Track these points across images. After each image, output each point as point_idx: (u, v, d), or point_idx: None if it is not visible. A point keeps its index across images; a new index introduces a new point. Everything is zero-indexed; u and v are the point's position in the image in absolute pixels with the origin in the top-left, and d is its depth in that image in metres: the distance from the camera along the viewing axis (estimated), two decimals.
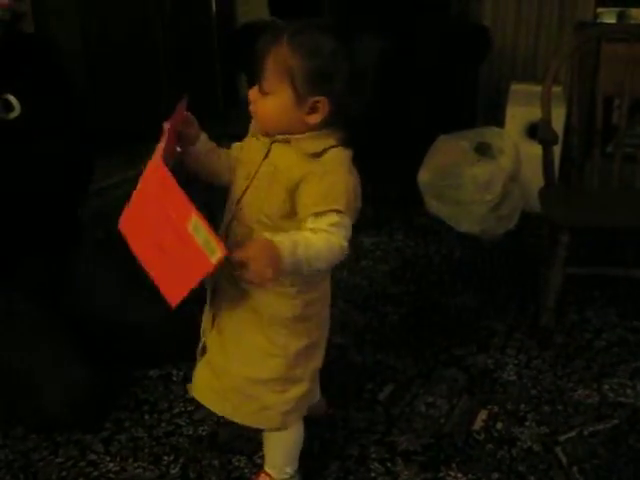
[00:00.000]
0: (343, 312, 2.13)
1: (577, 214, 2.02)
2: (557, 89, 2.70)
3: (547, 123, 2.13)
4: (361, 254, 2.50)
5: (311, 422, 1.63)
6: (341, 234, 1.16)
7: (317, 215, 1.15)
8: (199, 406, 1.65)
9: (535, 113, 2.26)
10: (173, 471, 1.50)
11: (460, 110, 3.28)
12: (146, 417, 1.66)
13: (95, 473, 1.49)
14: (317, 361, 1.36)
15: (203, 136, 1.34)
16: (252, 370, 1.29)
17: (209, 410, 1.36)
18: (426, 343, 1.99)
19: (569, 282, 2.11)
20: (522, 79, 3.29)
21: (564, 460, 1.55)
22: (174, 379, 1.80)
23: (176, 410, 1.69)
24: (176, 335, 1.81)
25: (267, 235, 1.10)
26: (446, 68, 3.05)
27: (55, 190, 1.71)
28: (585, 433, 1.63)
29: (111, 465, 1.52)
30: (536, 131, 2.25)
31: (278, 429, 1.35)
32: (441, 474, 1.51)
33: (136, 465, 1.52)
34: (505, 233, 2.66)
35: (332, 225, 1.15)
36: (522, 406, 1.73)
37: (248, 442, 1.58)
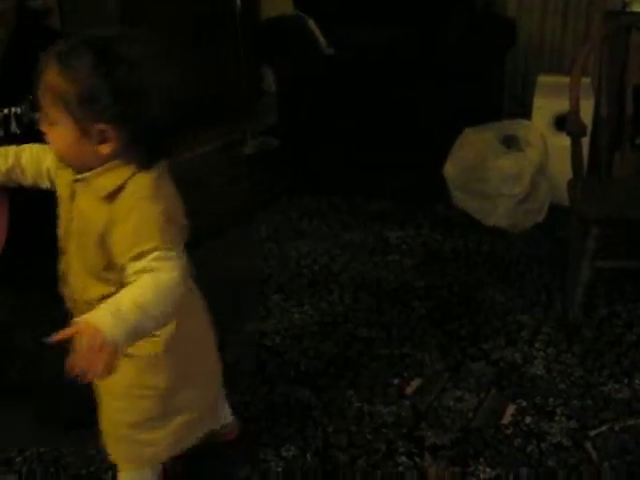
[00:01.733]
0: (369, 306, 2.13)
1: (606, 206, 1.99)
2: (585, 80, 2.66)
3: (575, 115, 2.10)
4: (387, 248, 2.49)
5: (338, 415, 1.64)
6: (168, 266, 1.02)
7: (135, 259, 1.02)
8: (228, 398, 1.69)
9: (562, 105, 2.23)
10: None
11: (486, 102, 3.25)
12: None
13: None
14: (201, 389, 1.29)
15: None
16: (128, 414, 1.23)
17: None
18: (453, 337, 1.98)
19: (598, 276, 2.08)
20: (549, 70, 3.24)
21: (594, 455, 1.53)
22: None
23: None
24: None
25: (85, 317, 0.97)
26: (471, 60, 3.02)
27: None
28: (616, 428, 1.61)
29: None
30: (564, 123, 2.22)
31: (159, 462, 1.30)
32: (470, 469, 1.50)
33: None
34: (533, 226, 2.63)
35: (154, 260, 1.02)
36: (551, 400, 1.71)
37: (275, 436, 1.58)
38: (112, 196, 1.05)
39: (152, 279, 1.00)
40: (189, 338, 1.22)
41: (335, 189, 2.91)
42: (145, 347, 1.15)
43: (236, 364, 1.82)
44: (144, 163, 1.06)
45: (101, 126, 1.01)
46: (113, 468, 1.36)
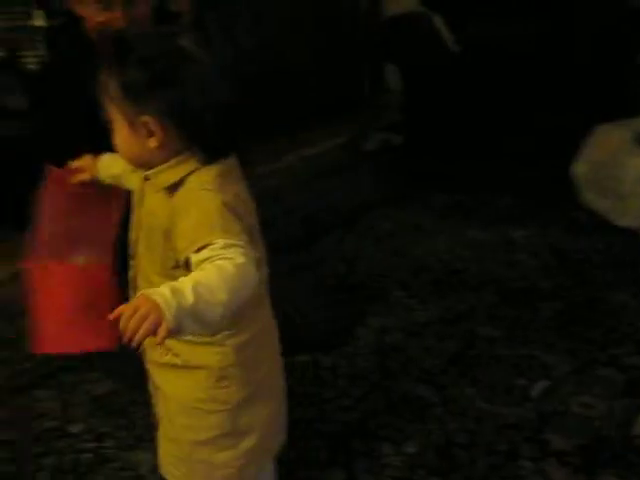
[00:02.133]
0: (492, 304, 2.09)
1: None
2: None
3: None
4: (511, 247, 2.44)
5: (459, 414, 1.63)
6: (231, 254, 0.95)
7: (198, 252, 0.97)
8: (347, 393, 1.71)
9: None
10: (322, 454, 1.54)
11: (619, 99, 3.12)
12: (295, 402, 1.71)
13: None
14: (268, 406, 1.20)
15: (103, 172, 1.23)
16: (194, 432, 1.16)
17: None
18: (581, 340, 1.91)
19: None
20: None
21: None
22: (322, 365, 1.83)
23: (325, 396, 1.72)
24: (325, 322, 1.86)
25: (143, 291, 0.91)
26: (606, 54, 2.90)
27: None
28: None
29: None
30: None
31: None
32: (598, 478, 1.45)
33: (287, 444, 1.57)
34: None
35: (218, 249, 0.96)
36: None
37: (396, 431, 1.60)
38: (172, 189, 1.04)
39: (214, 265, 0.94)
40: (261, 351, 1.17)
41: (458, 186, 2.88)
42: (215, 358, 1.11)
43: (357, 357, 1.85)
44: (205, 159, 1.04)
45: (145, 118, 1.01)
46: None
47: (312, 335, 1.84)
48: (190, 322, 0.89)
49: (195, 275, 0.93)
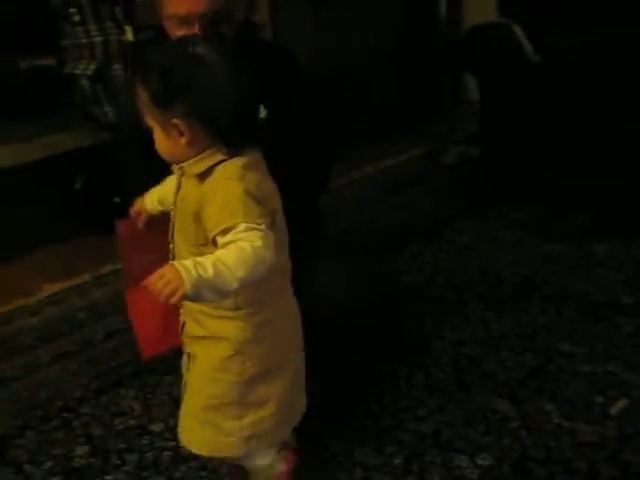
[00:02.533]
0: (572, 319, 2.05)
1: None
2: None
3: None
4: (592, 261, 2.39)
5: (537, 429, 1.60)
6: (250, 238, 1.10)
7: (222, 233, 1.12)
8: (423, 403, 1.71)
9: None
10: (396, 461, 1.55)
11: None
12: (372, 408, 1.72)
13: (325, 454, 1.59)
14: (278, 387, 1.29)
15: (150, 205, 1.42)
16: (206, 396, 1.28)
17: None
18: None
19: None
20: None
21: None
22: (400, 374, 1.84)
23: (401, 405, 1.73)
24: (403, 333, 1.86)
25: (174, 262, 1.09)
26: None
27: (298, 190, 1.81)
28: None
29: (339, 448, 1.60)
30: None
31: (243, 457, 1.34)
32: None
33: (362, 451, 1.58)
34: None
35: (240, 232, 1.10)
36: None
37: (471, 444, 1.59)
38: (202, 177, 1.18)
39: (236, 246, 1.10)
40: (274, 334, 1.28)
41: (537, 199, 2.84)
42: (235, 332, 1.24)
43: (433, 368, 1.85)
44: (230, 152, 1.18)
45: (174, 121, 1.15)
46: None
47: (391, 345, 1.85)
48: (208, 292, 1.07)
49: (218, 253, 1.10)
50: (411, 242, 2.56)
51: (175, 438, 1.64)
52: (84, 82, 2.56)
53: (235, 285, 1.08)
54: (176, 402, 1.75)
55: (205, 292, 1.07)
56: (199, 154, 1.18)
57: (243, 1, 1.68)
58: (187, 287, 1.04)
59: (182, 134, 1.16)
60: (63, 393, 1.86)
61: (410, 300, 2.18)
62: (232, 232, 1.11)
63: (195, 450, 1.36)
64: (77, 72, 2.58)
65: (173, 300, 1.05)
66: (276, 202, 1.23)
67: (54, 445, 1.67)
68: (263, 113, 1.78)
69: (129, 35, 2.37)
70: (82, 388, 1.87)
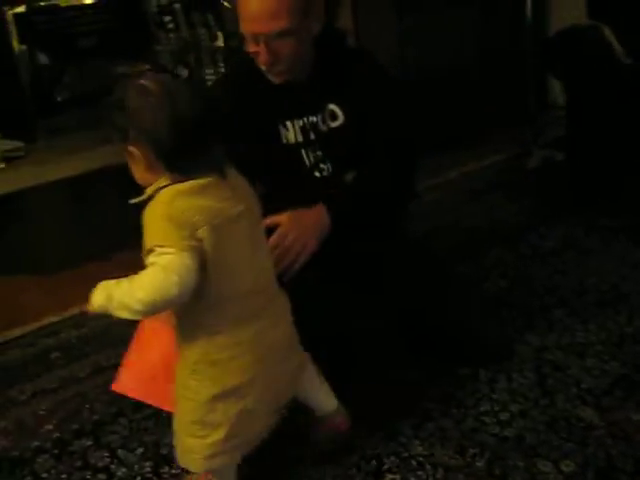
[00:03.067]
0: None
1: None
2: None
3: None
4: None
5: (623, 439, 1.57)
6: (161, 262, 1.18)
7: (147, 254, 1.21)
8: (505, 407, 1.71)
9: None
10: (478, 464, 1.55)
11: None
12: (453, 410, 1.73)
13: (405, 454, 1.60)
14: (238, 407, 1.33)
15: None
16: (177, 411, 1.37)
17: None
18: None
19: None
20: None
21: None
22: (481, 378, 1.84)
23: (482, 408, 1.73)
24: (488, 336, 1.86)
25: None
26: None
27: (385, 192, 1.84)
28: None
29: (420, 449, 1.61)
30: None
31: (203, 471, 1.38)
32: None
33: (443, 452, 1.59)
34: None
35: (155, 256, 1.19)
36: None
37: (554, 450, 1.57)
38: (147, 203, 1.25)
39: (146, 270, 1.20)
40: (233, 358, 1.32)
41: (624, 205, 2.77)
42: (192, 351, 1.32)
43: (515, 373, 1.84)
44: (175, 177, 1.25)
45: (130, 148, 1.25)
46: None
47: (472, 348, 1.84)
48: (117, 307, 1.22)
49: (133, 277, 1.22)
50: (494, 247, 2.55)
51: None
52: None
53: (137, 305, 1.20)
54: None
55: (113, 307, 1.23)
56: (157, 180, 1.26)
57: (321, 11, 1.71)
58: (96, 299, 1.25)
59: (138, 159, 1.25)
60: None
61: (492, 304, 2.17)
62: (151, 255, 1.20)
63: (179, 462, 1.43)
64: None
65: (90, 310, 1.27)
66: (204, 228, 1.24)
67: (145, 433, 1.75)
68: (340, 119, 1.80)
69: (220, 41, 2.45)
70: None
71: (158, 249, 1.19)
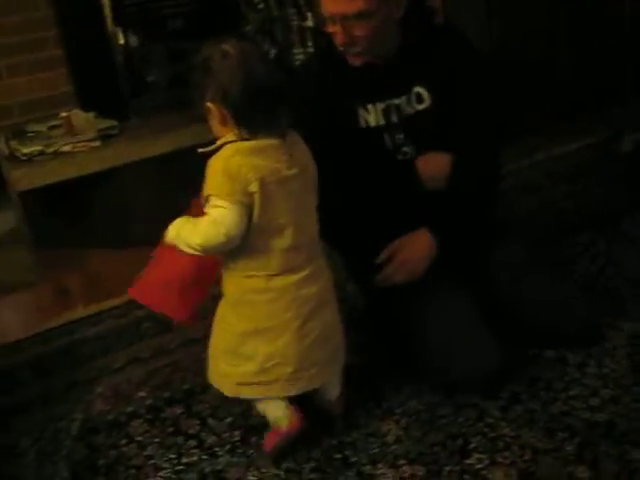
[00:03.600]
0: None
1: None
2: None
3: None
4: None
5: None
6: (213, 213, 1.39)
7: (205, 200, 1.42)
8: (596, 392, 1.68)
9: None
10: (568, 448, 1.53)
11: None
12: (541, 393, 1.71)
13: (492, 434, 1.60)
14: (268, 347, 1.49)
15: None
16: (214, 340, 1.60)
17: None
18: None
19: None
20: None
21: None
22: (570, 362, 1.81)
23: (572, 392, 1.70)
24: (574, 319, 1.82)
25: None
26: None
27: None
28: None
29: (507, 430, 1.60)
30: None
31: (234, 396, 1.60)
32: None
33: (531, 435, 1.58)
34: None
35: (209, 208, 1.40)
36: None
37: None
38: (214, 153, 1.42)
39: (203, 219, 1.41)
40: (263, 302, 1.49)
41: None
42: (230, 289, 1.53)
43: (606, 359, 1.80)
44: (242, 135, 1.42)
45: (208, 104, 1.43)
46: None
47: (562, 332, 1.81)
48: (182, 244, 1.45)
49: (197, 220, 1.43)
50: (583, 231, 2.48)
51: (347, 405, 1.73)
52: None
53: (196, 247, 1.42)
54: (349, 372, 1.84)
55: (180, 242, 1.45)
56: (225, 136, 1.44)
57: None
58: (169, 234, 1.48)
59: (212, 115, 1.43)
60: None
61: (582, 289, 2.12)
62: (208, 204, 1.41)
63: (210, 382, 1.64)
64: None
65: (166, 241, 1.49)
66: (255, 183, 1.40)
67: (234, 403, 1.79)
68: (426, 102, 1.78)
69: (310, 21, 2.46)
70: None
71: (214, 198, 1.39)
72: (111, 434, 1.77)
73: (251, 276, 1.48)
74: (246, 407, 1.77)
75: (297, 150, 1.48)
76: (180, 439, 1.72)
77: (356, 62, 1.72)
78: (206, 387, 1.87)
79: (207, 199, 1.41)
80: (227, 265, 1.51)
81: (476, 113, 1.83)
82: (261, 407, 1.61)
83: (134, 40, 3.40)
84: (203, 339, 2.07)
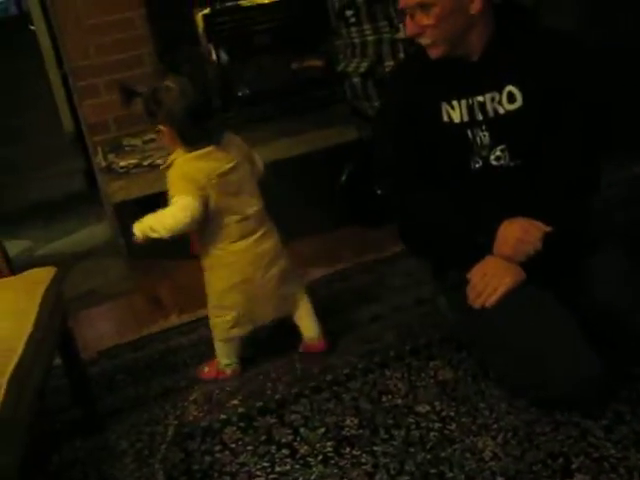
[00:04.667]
0: None
1: None
2: None
3: None
4: None
5: None
6: (174, 206, 1.85)
7: (171, 199, 1.88)
8: None
9: None
10: None
11: None
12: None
13: (596, 454, 1.53)
14: (242, 297, 1.98)
15: None
16: (208, 301, 2.06)
17: None
18: None
19: None
20: None
21: None
22: None
23: None
24: None
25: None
26: None
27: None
28: None
29: (612, 451, 1.53)
30: None
31: (227, 339, 2.04)
32: None
33: (639, 457, 1.51)
34: None
35: (175, 199, 1.86)
36: None
37: None
38: (169, 166, 1.93)
39: (170, 208, 1.87)
40: (238, 262, 1.97)
41: None
42: (208, 261, 2.00)
43: None
44: (186, 149, 1.91)
45: (159, 127, 1.91)
46: None
47: None
48: (150, 232, 1.86)
49: (160, 211, 1.88)
50: None
51: (441, 420, 1.70)
52: (356, 79, 2.70)
53: (163, 231, 1.84)
54: (442, 386, 1.82)
55: (148, 232, 1.86)
56: (177, 148, 1.93)
57: None
58: (137, 228, 1.89)
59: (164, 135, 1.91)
60: (333, 368, 1.99)
61: None
62: (173, 199, 1.87)
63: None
64: (349, 70, 2.73)
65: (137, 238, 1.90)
66: (208, 181, 1.89)
67: (326, 414, 1.80)
68: (519, 102, 1.74)
69: (401, 33, 2.45)
70: (350, 365, 1.99)
71: (177, 196, 1.86)
72: (205, 440, 1.79)
73: (219, 247, 1.96)
74: (340, 418, 1.76)
75: (232, 148, 1.96)
76: (273, 448, 1.72)
77: (432, 55, 1.73)
78: (298, 397, 1.89)
79: (172, 199, 1.87)
80: (202, 242, 1.97)
81: (578, 119, 1.77)
82: (222, 351, 2.05)
83: (225, 57, 3.50)
84: (294, 349, 2.12)
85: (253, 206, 1.98)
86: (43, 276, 1.81)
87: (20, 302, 1.64)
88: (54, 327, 1.72)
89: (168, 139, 1.90)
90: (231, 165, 1.92)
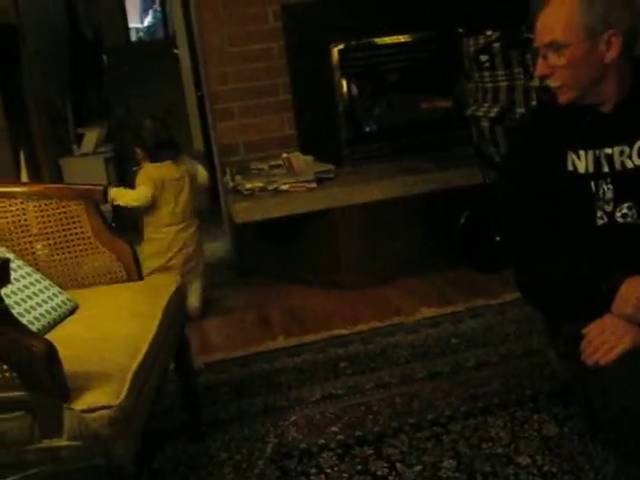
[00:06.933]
0: None
1: None
2: None
3: None
4: None
5: None
6: (136, 190, 2.84)
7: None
8: None
9: None
10: None
11: None
12: None
13: None
14: (161, 260, 2.87)
15: None
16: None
17: None
18: None
19: None
20: None
21: None
22: None
23: None
24: None
25: None
26: None
27: None
28: None
29: None
30: None
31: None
32: None
33: None
34: None
35: (136, 188, 2.86)
36: None
37: None
38: (140, 169, 2.90)
39: (136, 189, 2.86)
40: (165, 239, 2.91)
41: None
42: (145, 235, 2.96)
43: None
44: (152, 162, 2.87)
45: (135, 148, 2.93)
46: None
47: None
48: (121, 202, 2.85)
49: (128, 190, 2.92)
50: None
51: (542, 475, 1.66)
52: (484, 124, 2.70)
53: (131, 202, 2.83)
54: (545, 441, 1.77)
55: (118, 201, 2.83)
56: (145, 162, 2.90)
57: (619, 41, 1.63)
58: (111, 195, 2.73)
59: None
60: (434, 408, 1.99)
61: None
62: (137, 186, 2.86)
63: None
64: (479, 114, 2.73)
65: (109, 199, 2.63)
66: (162, 181, 2.85)
67: (424, 452, 1.79)
68: None
69: (536, 81, 2.44)
70: (452, 407, 1.98)
71: (139, 185, 2.83)
72: (302, 461, 1.82)
73: (154, 227, 2.88)
74: (438, 459, 1.76)
75: (182, 165, 2.90)
76: (368, 478, 1.73)
77: (562, 98, 1.70)
78: (397, 432, 1.89)
79: (137, 186, 2.84)
80: (145, 222, 2.90)
81: None
82: None
83: (355, 91, 3.58)
84: (397, 384, 2.13)
85: (183, 205, 2.89)
86: (167, 283, 1.92)
87: (147, 305, 1.74)
88: (174, 332, 1.81)
89: (141, 156, 2.89)
90: (179, 175, 2.88)
